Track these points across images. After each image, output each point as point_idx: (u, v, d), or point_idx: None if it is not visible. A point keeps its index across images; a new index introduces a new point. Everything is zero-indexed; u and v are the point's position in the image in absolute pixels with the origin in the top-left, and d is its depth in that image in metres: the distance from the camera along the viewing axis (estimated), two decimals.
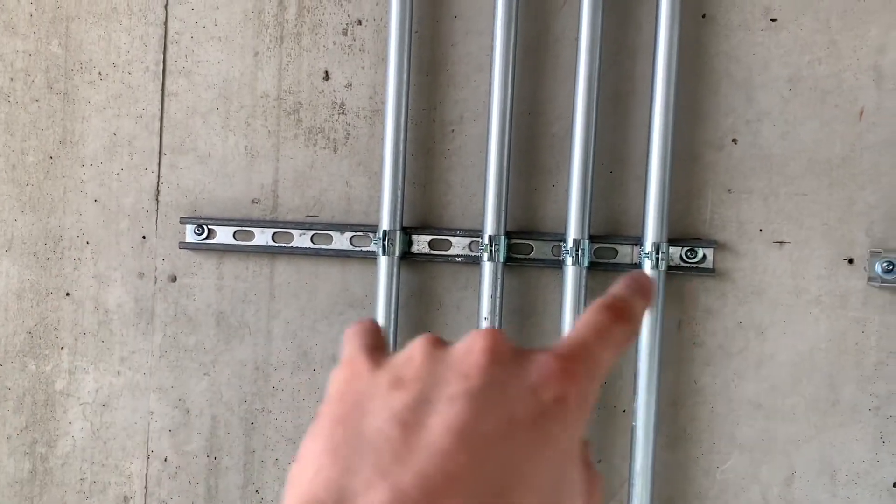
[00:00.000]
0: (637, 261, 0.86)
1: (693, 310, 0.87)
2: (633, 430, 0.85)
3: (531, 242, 0.89)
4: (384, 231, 0.87)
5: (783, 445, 0.86)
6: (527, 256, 0.89)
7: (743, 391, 0.87)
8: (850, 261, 0.85)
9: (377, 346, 0.31)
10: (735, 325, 0.87)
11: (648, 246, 0.83)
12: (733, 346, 0.87)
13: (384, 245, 0.87)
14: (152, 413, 0.96)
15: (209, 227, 0.93)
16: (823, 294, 0.85)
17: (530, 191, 0.90)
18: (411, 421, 0.26)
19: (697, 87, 0.87)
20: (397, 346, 0.89)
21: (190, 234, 0.93)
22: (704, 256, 0.86)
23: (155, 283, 0.95)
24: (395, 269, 0.88)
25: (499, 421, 0.26)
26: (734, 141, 0.86)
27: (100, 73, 0.96)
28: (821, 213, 0.85)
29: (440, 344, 0.29)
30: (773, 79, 0.86)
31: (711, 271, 0.86)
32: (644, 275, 0.32)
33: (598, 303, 0.30)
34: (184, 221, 0.93)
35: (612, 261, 0.87)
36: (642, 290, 0.31)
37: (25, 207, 0.97)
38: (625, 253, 0.87)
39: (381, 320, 0.88)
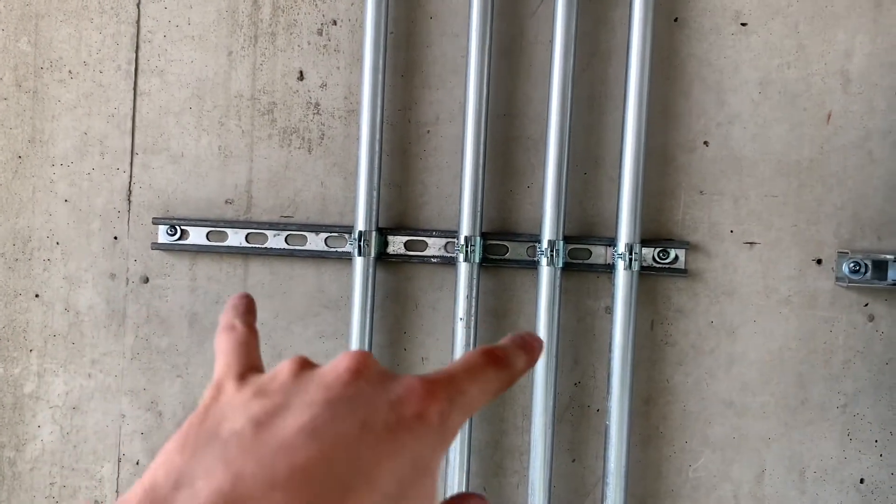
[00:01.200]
0: (611, 261, 0.87)
1: (665, 310, 0.88)
2: (606, 429, 0.85)
3: (506, 243, 0.89)
4: (360, 232, 0.87)
5: (754, 443, 0.88)
6: (502, 257, 0.89)
7: (715, 390, 0.88)
8: (819, 261, 0.87)
9: (249, 368, 0.31)
10: (707, 325, 0.88)
11: (622, 247, 0.84)
12: (705, 346, 0.88)
13: (360, 246, 0.87)
14: (124, 416, 0.94)
15: (182, 227, 0.92)
16: (793, 294, 0.87)
17: (506, 192, 0.90)
18: (266, 422, 0.27)
19: (669, 90, 0.88)
20: (371, 346, 0.89)
21: (162, 235, 0.92)
22: (676, 257, 0.87)
23: (127, 284, 0.94)
24: (370, 270, 0.88)
25: (352, 424, 0.27)
26: (706, 143, 0.88)
27: (70, 72, 0.94)
28: (790, 215, 0.87)
29: (308, 364, 0.30)
30: (743, 82, 0.87)
31: (683, 272, 0.87)
32: (534, 336, 0.34)
33: (479, 347, 0.32)
34: (156, 222, 0.92)
35: (586, 261, 0.88)
36: (527, 346, 0.33)
37: None
38: (598, 253, 0.88)
39: (356, 321, 0.88)
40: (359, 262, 0.88)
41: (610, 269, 0.87)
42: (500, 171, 0.90)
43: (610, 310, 0.88)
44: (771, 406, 0.87)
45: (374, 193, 0.88)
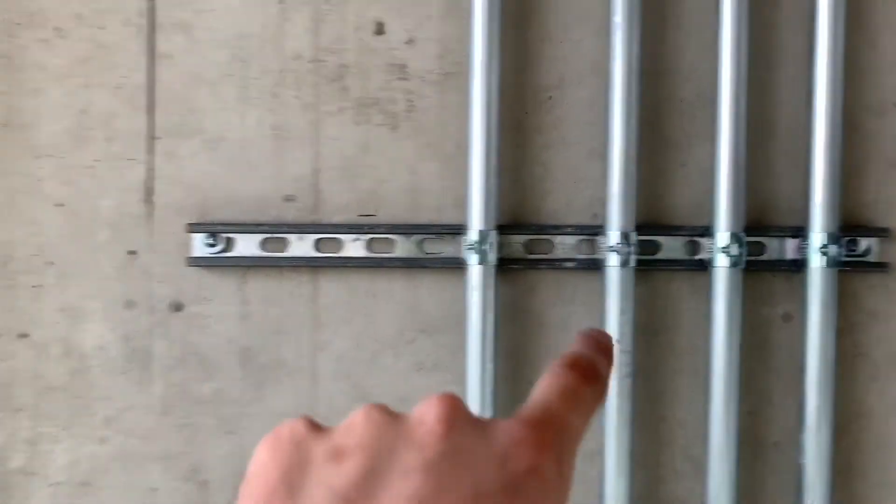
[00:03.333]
0: (793, 256, 0.69)
1: (855, 314, 0.71)
2: (800, 468, 0.68)
3: (658, 238, 0.70)
4: (480, 232, 0.66)
5: None
6: (653, 257, 0.70)
7: None
8: None
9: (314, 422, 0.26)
10: None
11: (819, 238, 0.66)
12: None
13: (482, 250, 0.66)
14: (156, 490, 0.70)
15: (226, 235, 0.69)
16: None
17: (653, 173, 0.70)
18: (357, 499, 0.22)
19: (851, 39, 0.70)
20: (494, 379, 0.68)
21: (199, 247, 0.69)
22: (868, 248, 0.70)
23: (151, 313, 0.70)
24: (491, 281, 0.67)
25: (463, 494, 0.22)
26: None
27: (57, 29, 0.69)
28: None
29: (387, 412, 0.25)
30: None
31: (880, 266, 0.70)
32: (602, 331, 0.29)
33: (558, 363, 0.27)
34: (192, 229, 0.69)
35: (760, 258, 0.70)
36: (603, 348, 0.28)
37: None
38: (773, 248, 0.70)
39: (474, 349, 0.67)
40: (476, 270, 0.67)
41: (792, 266, 0.69)
42: (645, 145, 0.70)
43: (790, 318, 0.70)
44: None
45: (493, 180, 0.67)
